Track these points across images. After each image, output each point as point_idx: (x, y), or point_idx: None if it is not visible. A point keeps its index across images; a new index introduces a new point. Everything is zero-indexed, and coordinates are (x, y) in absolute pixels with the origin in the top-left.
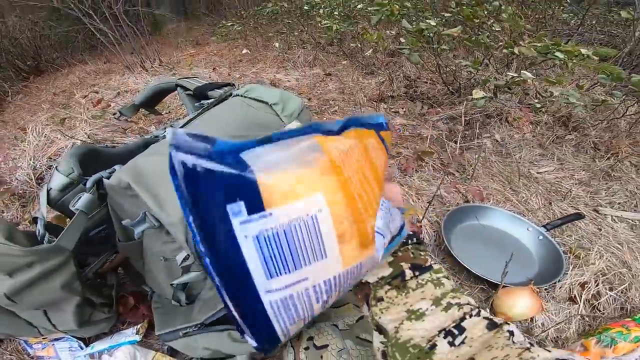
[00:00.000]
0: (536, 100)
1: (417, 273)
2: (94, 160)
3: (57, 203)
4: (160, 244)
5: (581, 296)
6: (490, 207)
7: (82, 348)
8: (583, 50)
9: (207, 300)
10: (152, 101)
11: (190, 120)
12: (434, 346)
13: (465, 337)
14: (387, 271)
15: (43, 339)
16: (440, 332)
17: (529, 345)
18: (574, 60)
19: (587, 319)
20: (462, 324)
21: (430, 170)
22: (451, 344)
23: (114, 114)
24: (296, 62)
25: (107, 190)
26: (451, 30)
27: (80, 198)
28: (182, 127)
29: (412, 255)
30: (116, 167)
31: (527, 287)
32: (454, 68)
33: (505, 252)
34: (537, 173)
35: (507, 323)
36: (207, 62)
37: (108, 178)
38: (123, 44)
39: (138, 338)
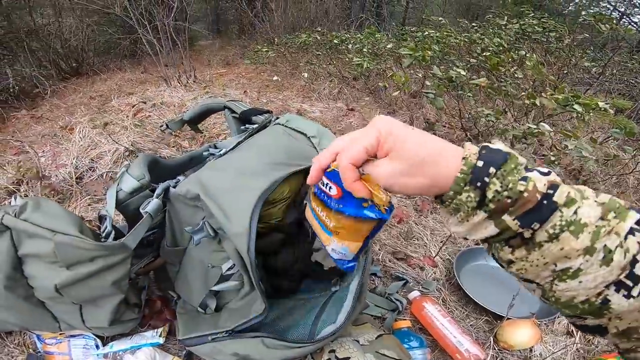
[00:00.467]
0: (551, 153)
1: (543, 224)
2: (153, 168)
3: (122, 204)
4: (209, 252)
5: (577, 331)
6: None
7: (97, 347)
8: (600, 103)
9: (235, 310)
10: (199, 119)
11: (239, 143)
12: (605, 301)
13: None
14: (490, 232)
15: (60, 334)
16: (607, 286)
17: None
18: (591, 113)
19: (581, 351)
20: (636, 270)
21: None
22: (628, 296)
23: (161, 126)
24: (321, 94)
25: (171, 198)
26: (479, 81)
27: (150, 202)
28: (232, 148)
29: (508, 199)
30: (180, 178)
31: (530, 319)
32: (474, 115)
33: (510, 288)
34: None
35: None
36: (236, 83)
37: (174, 187)
38: (162, 54)
39: (161, 340)
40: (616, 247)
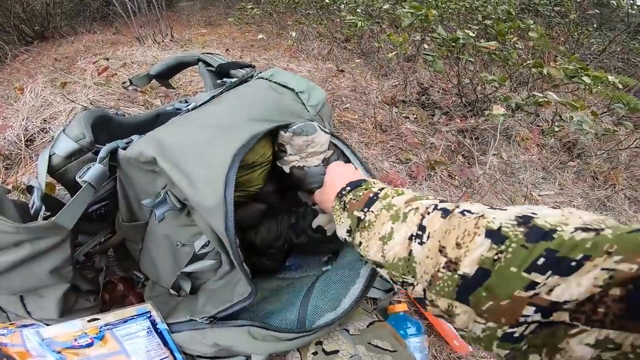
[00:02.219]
0: (555, 124)
1: (370, 208)
2: (103, 127)
3: (57, 171)
4: (176, 227)
5: None
6: None
7: None
8: (610, 77)
9: (214, 291)
10: (169, 73)
11: (215, 96)
12: (410, 252)
13: (429, 232)
14: (347, 224)
15: (10, 324)
16: (410, 238)
17: (482, 213)
18: (599, 87)
19: None
20: (423, 223)
21: (438, 180)
22: (420, 243)
23: (124, 82)
24: (310, 54)
25: (121, 162)
26: (488, 44)
27: (89, 169)
28: (206, 102)
29: (355, 201)
30: (134, 137)
31: None
32: (475, 81)
33: None
34: (539, 196)
35: (457, 206)
36: (219, 43)
37: (124, 149)
38: (136, 16)
39: None
40: (410, 211)
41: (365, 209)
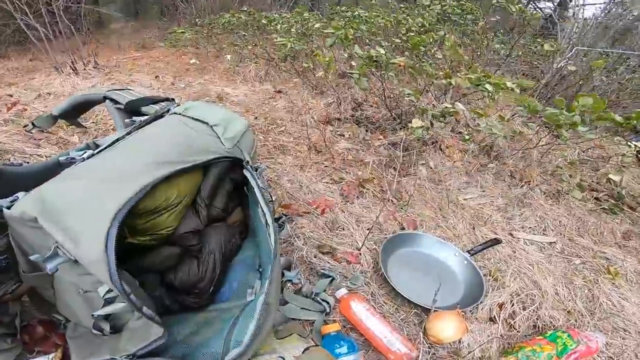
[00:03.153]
0: (466, 132)
1: None
2: None
3: None
4: (77, 275)
5: (499, 316)
6: (423, 234)
7: None
8: (508, 83)
9: (135, 330)
10: (75, 112)
11: (118, 140)
12: None
13: None
14: None
15: None
16: None
17: None
18: (500, 93)
19: (505, 337)
20: None
21: (370, 196)
22: None
23: (25, 125)
24: (247, 76)
25: (8, 221)
26: (398, 60)
27: None
28: (108, 146)
29: None
30: (19, 194)
31: (454, 311)
32: (397, 95)
33: (436, 277)
34: (464, 200)
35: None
36: (150, 68)
37: (9, 208)
38: (55, 41)
39: None
40: None
41: None
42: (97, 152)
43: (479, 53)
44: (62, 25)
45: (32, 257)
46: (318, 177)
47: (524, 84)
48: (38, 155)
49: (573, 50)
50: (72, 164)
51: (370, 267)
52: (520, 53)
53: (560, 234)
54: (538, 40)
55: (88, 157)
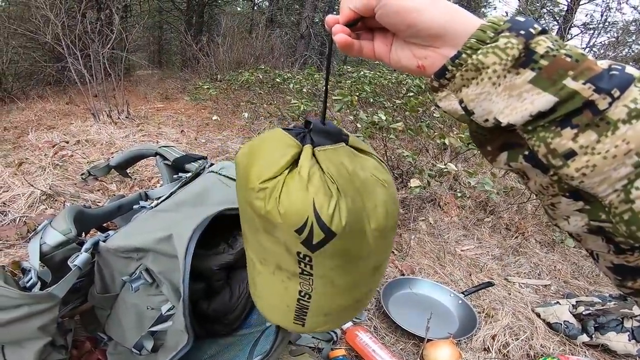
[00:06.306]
0: (458, 190)
1: (616, 92)
2: (77, 219)
3: (45, 256)
4: (146, 296)
5: (492, 346)
6: (421, 279)
7: None
8: None
9: (167, 346)
10: (127, 164)
11: (172, 193)
12: None
13: None
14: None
15: None
16: None
17: None
18: None
19: None
20: None
21: None
22: None
23: (82, 174)
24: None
25: (101, 251)
26: (396, 125)
27: (78, 256)
28: (166, 198)
29: (570, 60)
30: (110, 232)
31: (448, 340)
32: (398, 155)
33: (433, 312)
34: (461, 250)
35: None
36: (174, 120)
37: (104, 241)
38: (91, 83)
39: None
40: None
41: (615, 91)
42: (161, 202)
43: None
44: (101, 71)
45: (123, 278)
46: None
47: None
48: (85, 199)
49: None
50: (138, 211)
51: (373, 305)
52: None
53: (555, 277)
54: None
55: (155, 207)
